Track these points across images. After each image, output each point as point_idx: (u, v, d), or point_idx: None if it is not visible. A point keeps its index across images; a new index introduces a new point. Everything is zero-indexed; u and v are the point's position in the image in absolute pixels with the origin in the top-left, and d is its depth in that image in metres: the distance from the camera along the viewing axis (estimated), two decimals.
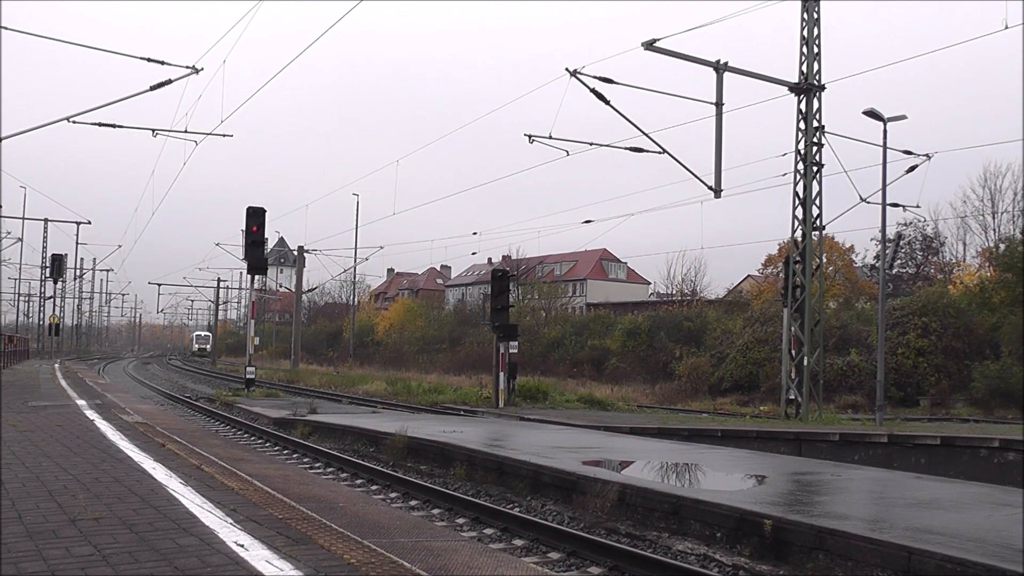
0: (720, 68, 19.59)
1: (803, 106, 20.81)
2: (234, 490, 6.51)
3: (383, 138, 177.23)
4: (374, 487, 11.13)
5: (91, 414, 13.30)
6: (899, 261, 49.39)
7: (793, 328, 21.28)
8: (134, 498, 6.02)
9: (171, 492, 6.31)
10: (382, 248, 62.50)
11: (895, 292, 43.38)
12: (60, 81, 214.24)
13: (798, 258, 21.20)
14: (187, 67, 19.47)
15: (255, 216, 25.06)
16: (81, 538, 4.72)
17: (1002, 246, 38.48)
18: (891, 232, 44.39)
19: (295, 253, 52.07)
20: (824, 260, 27.78)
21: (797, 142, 21.02)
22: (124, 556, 4.32)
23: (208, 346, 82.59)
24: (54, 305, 58.24)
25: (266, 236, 25.66)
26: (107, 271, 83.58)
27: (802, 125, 20.87)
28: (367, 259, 63.72)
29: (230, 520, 5.29)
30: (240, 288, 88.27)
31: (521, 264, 69.35)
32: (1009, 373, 28.77)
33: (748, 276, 60.87)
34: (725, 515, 7.57)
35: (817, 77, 20.72)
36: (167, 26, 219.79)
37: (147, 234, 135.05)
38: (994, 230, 46.28)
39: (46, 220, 54.66)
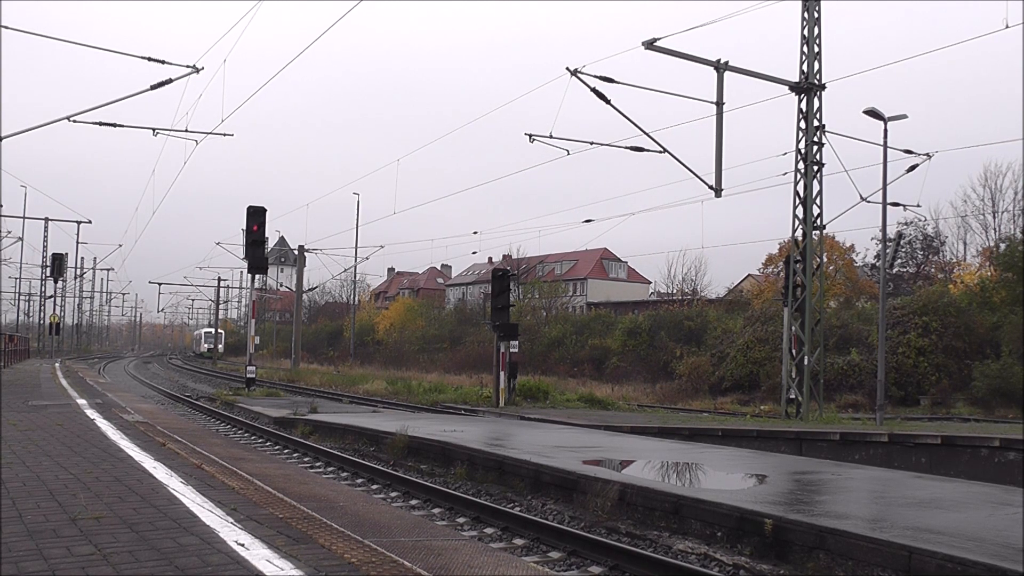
0: (721, 67, 19.58)
1: (803, 105, 20.80)
2: (235, 489, 6.51)
3: (384, 137, 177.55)
4: (375, 486, 11.13)
5: (91, 413, 13.31)
6: (899, 260, 49.33)
7: (794, 327, 21.28)
8: (135, 497, 6.02)
9: (172, 491, 6.31)
10: (382, 247, 62.66)
11: (896, 291, 43.34)
12: (60, 80, 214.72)
13: (798, 257, 21.20)
14: (187, 66, 19.49)
15: (255, 215, 25.05)
16: (82, 537, 4.72)
17: (1002, 245, 38.42)
18: (892, 231, 44.40)
19: (296, 252, 52.07)
20: (824, 259, 27.74)
21: (797, 141, 21.01)
22: (125, 555, 4.33)
23: (218, 345, 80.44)
24: (54, 304, 58.24)
25: (267, 235, 25.60)
26: (107, 270, 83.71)
27: (802, 124, 20.86)
28: (367, 258, 63.67)
29: (231, 519, 5.29)
30: (240, 287, 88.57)
31: (522, 263, 69.33)
32: (1009, 373, 28.72)
33: (748, 275, 60.85)
34: (726, 514, 7.57)
35: (818, 76, 20.71)
36: (167, 26, 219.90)
37: (147, 233, 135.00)
38: (994, 229, 46.33)
39: (46, 219, 54.71)
